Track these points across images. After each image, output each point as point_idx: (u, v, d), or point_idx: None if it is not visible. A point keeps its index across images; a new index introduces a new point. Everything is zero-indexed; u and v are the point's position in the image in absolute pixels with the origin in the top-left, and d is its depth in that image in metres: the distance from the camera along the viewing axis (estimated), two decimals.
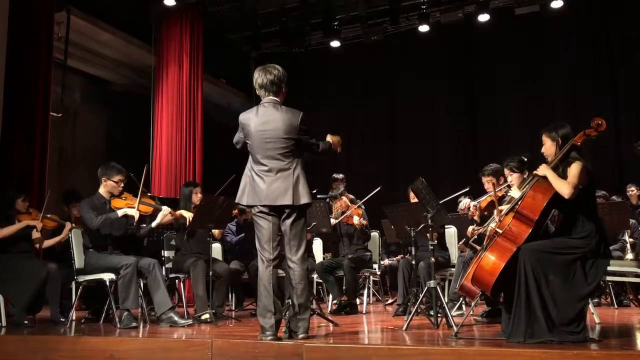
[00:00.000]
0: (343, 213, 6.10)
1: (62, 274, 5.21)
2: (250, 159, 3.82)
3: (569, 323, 3.22)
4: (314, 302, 5.78)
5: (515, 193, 3.72)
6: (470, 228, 4.88)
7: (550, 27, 9.83)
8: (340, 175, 7.14)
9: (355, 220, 6.02)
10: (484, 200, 4.85)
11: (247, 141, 3.80)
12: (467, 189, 4.97)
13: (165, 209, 5.16)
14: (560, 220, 3.72)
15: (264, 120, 3.75)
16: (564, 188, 3.38)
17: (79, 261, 5.05)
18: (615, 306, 5.94)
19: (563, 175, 3.46)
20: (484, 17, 9.26)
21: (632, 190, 7.44)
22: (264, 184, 3.70)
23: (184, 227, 5.37)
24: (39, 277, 4.99)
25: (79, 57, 8.62)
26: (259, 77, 3.82)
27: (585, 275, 3.34)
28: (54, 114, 7.19)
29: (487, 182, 5.00)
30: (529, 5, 9.00)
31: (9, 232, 5.14)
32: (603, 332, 3.91)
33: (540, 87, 10.08)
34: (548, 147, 3.66)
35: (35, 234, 5.34)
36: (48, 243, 5.65)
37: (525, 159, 4.55)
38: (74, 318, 5.08)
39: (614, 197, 6.85)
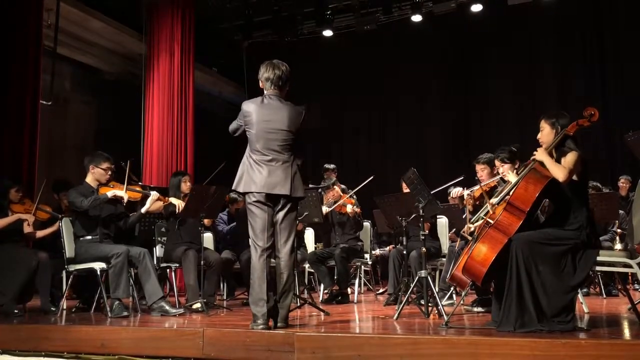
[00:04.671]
0: (335, 202, 6.10)
1: (52, 263, 5.18)
2: (249, 148, 3.85)
3: (558, 313, 3.24)
4: (306, 291, 5.80)
5: (512, 177, 3.73)
6: (466, 227, 4.87)
7: (543, 18, 9.85)
8: (332, 166, 7.14)
9: (349, 208, 6.03)
10: (477, 189, 4.85)
11: (248, 130, 3.82)
12: (462, 177, 4.96)
13: (154, 194, 5.15)
14: (551, 210, 3.74)
15: (269, 112, 3.80)
16: (560, 172, 3.38)
17: (69, 250, 5.03)
18: (604, 296, 6.00)
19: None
20: (477, 8, 9.26)
21: (622, 181, 7.50)
22: (264, 172, 3.73)
23: (174, 215, 5.35)
24: (29, 266, 4.96)
25: (69, 44, 8.53)
26: (265, 71, 3.89)
27: (576, 266, 3.35)
28: (44, 102, 7.12)
29: (481, 170, 5.01)
30: None
31: (0, 225, 5.11)
32: (592, 321, 3.95)
33: (531, 78, 10.11)
34: (546, 134, 3.63)
35: (27, 228, 5.31)
36: (40, 234, 5.61)
37: (515, 149, 4.55)
38: (64, 307, 5.07)
39: (603, 188, 6.89)
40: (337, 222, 6.23)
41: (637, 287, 6.62)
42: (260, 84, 3.94)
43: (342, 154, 10.96)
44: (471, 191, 4.88)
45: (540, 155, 3.54)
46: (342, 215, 6.17)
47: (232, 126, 3.99)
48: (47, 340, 3.94)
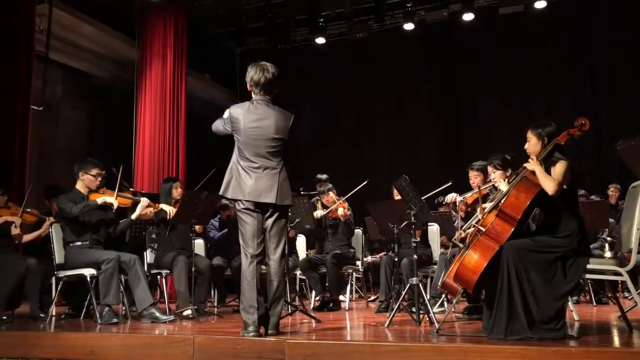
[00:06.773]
0: (329, 208, 6.12)
1: (41, 269, 5.14)
2: (236, 153, 3.81)
3: (548, 321, 3.25)
4: (297, 298, 5.79)
5: (503, 186, 3.76)
6: (457, 233, 4.88)
7: (533, 27, 9.92)
8: (324, 176, 7.16)
9: (340, 211, 6.04)
10: (470, 196, 4.88)
11: (236, 136, 3.79)
12: (450, 183, 4.99)
13: (145, 200, 5.14)
14: (542, 218, 3.76)
15: (256, 118, 3.75)
16: (550, 185, 3.41)
17: (59, 256, 5.00)
18: (594, 304, 6.02)
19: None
20: (468, 17, 9.32)
21: (612, 190, 7.56)
22: (251, 180, 3.71)
23: (165, 221, 5.33)
24: (18, 272, 4.94)
25: (61, 50, 8.50)
26: (255, 74, 3.80)
27: (566, 273, 3.37)
28: (35, 108, 7.09)
29: (474, 176, 5.03)
30: (513, 5, 9.08)
31: None
32: (582, 329, 3.96)
33: (522, 86, 10.19)
34: (533, 144, 3.67)
35: (14, 230, 5.27)
36: (27, 238, 5.58)
37: (510, 158, 4.59)
38: (53, 314, 5.03)
39: (592, 197, 6.94)
40: (329, 227, 6.23)
41: (627, 295, 6.65)
42: (248, 87, 3.87)
43: (334, 161, 10.96)
44: (464, 197, 4.90)
45: (532, 165, 3.56)
46: (335, 220, 6.18)
47: (217, 126, 3.90)
48: (36, 347, 3.90)
